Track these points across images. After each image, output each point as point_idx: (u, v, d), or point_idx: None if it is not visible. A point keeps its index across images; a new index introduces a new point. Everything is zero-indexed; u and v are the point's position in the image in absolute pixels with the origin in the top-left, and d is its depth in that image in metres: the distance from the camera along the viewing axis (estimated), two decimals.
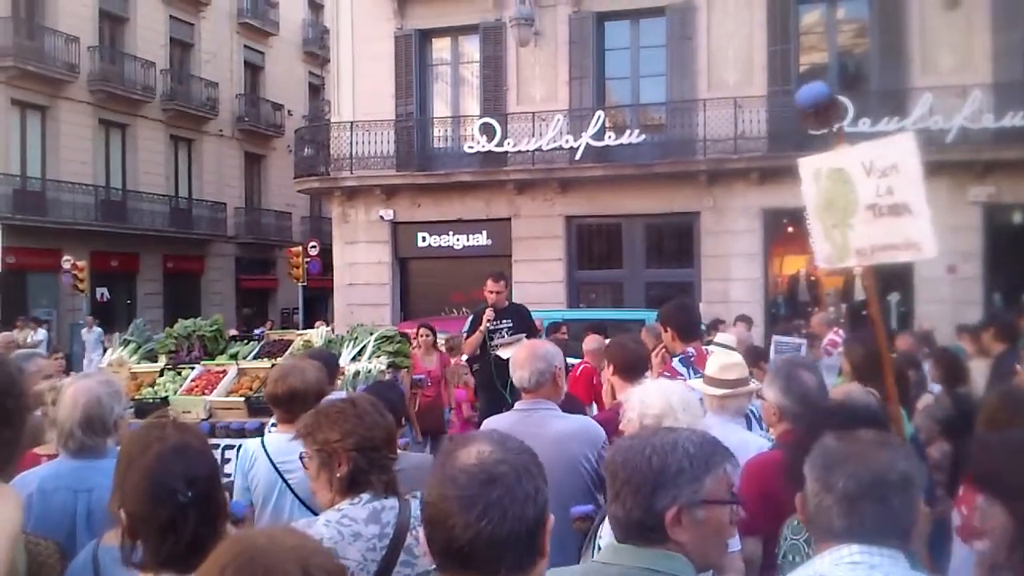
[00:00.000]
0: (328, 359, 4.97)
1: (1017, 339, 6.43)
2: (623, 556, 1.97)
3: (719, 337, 7.19)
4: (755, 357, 6.62)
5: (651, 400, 3.06)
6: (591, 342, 8.14)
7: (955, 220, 16.33)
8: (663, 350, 4.91)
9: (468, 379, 10.13)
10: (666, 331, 4.83)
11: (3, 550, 2.13)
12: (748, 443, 3.65)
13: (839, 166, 3.77)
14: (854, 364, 5.28)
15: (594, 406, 7.00)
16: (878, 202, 3.66)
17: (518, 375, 3.77)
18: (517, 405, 3.85)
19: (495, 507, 1.53)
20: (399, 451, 2.98)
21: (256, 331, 8.33)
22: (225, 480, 3.52)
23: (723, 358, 4.05)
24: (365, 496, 2.66)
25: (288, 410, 3.82)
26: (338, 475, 2.66)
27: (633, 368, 4.29)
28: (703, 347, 5.00)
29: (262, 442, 3.77)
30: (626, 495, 1.96)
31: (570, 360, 8.42)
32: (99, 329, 21.05)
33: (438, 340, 10.48)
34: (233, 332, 8.69)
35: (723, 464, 2.03)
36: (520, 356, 3.84)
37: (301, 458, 2.79)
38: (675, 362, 4.63)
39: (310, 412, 2.86)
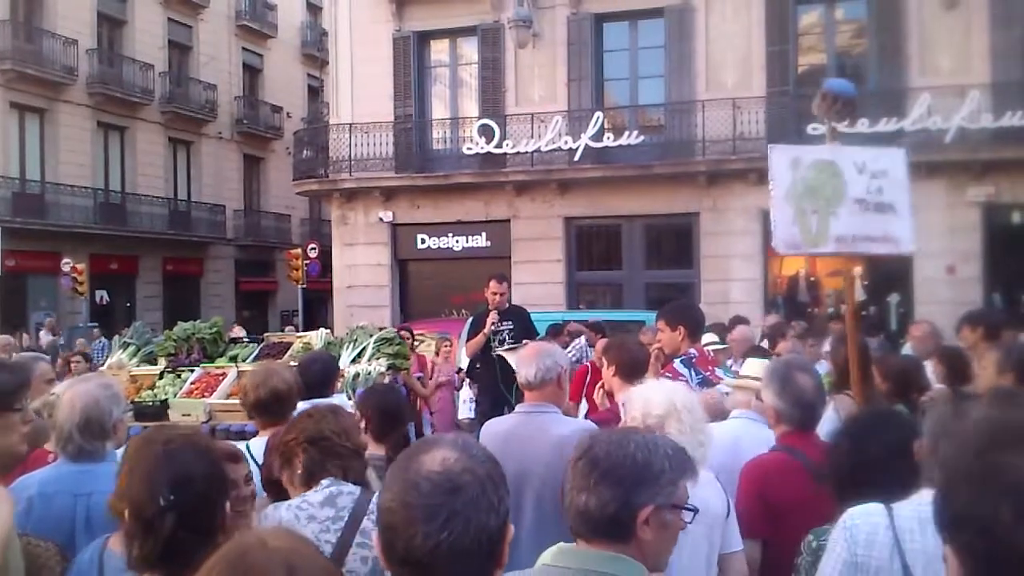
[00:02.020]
0: (328, 361, 4.97)
1: (1001, 338, 6.39)
2: (571, 558, 1.96)
3: (705, 337, 7.19)
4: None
5: (656, 400, 3.05)
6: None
7: (954, 220, 16.35)
8: (659, 349, 4.89)
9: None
10: (675, 330, 4.78)
11: None
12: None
13: (830, 159, 3.98)
14: (837, 366, 5.29)
15: (583, 404, 6.98)
16: (867, 198, 3.95)
17: (523, 372, 3.72)
18: (519, 407, 3.81)
19: (458, 517, 1.48)
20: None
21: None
22: None
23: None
24: (324, 482, 2.90)
25: (273, 412, 3.85)
26: (298, 471, 2.95)
27: (635, 369, 4.29)
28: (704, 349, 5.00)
29: (247, 446, 3.78)
30: (604, 487, 1.92)
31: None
32: (52, 337, 20.73)
33: (417, 342, 10.70)
34: (233, 334, 8.69)
35: (693, 472, 2.06)
36: (526, 353, 3.83)
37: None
38: (676, 363, 4.60)
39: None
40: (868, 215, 3.94)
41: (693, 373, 4.54)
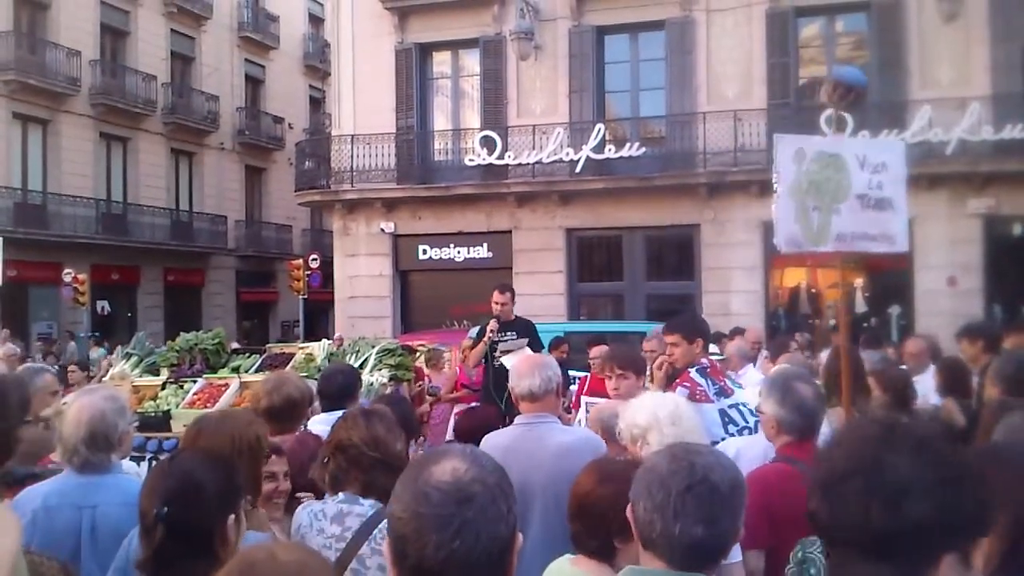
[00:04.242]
0: (349, 373, 4.93)
1: (1000, 350, 6.40)
2: None
3: None
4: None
5: (640, 413, 3.13)
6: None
7: (955, 232, 16.37)
8: (666, 363, 4.90)
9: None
10: (693, 343, 4.79)
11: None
12: None
13: (835, 152, 3.87)
14: (831, 377, 5.30)
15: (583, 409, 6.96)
16: (868, 194, 3.85)
17: (526, 383, 3.68)
18: (518, 419, 3.79)
19: (469, 527, 1.49)
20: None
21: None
22: None
23: None
24: (340, 496, 2.90)
25: (285, 419, 3.86)
26: (327, 472, 2.98)
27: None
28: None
29: None
30: (726, 517, 1.95)
31: (574, 373, 8.47)
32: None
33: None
34: (235, 345, 8.72)
35: None
36: (524, 366, 3.79)
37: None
38: (693, 373, 4.61)
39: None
40: (868, 212, 3.85)
41: (710, 383, 4.56)
